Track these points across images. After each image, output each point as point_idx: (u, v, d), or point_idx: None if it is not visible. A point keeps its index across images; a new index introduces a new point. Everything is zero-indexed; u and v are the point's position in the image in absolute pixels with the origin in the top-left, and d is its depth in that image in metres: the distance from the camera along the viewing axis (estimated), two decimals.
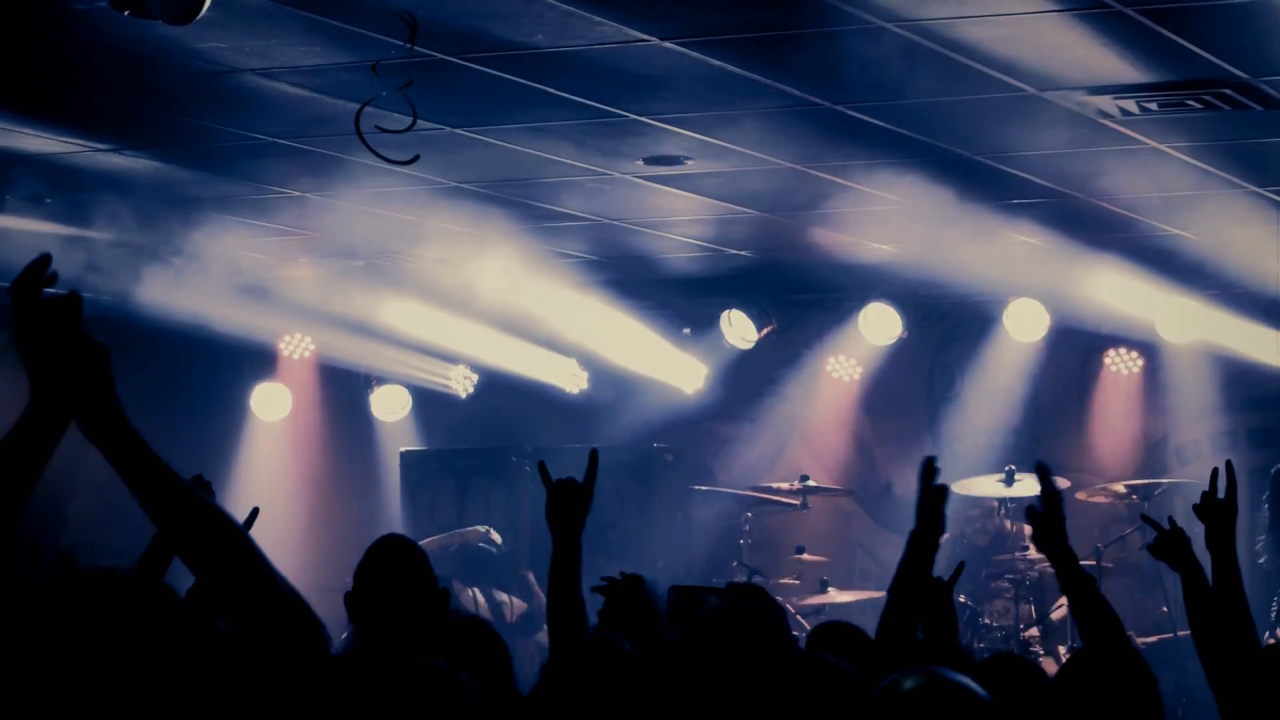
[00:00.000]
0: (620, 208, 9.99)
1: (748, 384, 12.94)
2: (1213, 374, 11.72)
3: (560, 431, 12.88)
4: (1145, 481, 11.03)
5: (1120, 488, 10.95)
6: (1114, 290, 11.06)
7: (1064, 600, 10.76)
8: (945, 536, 4.33)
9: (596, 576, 4.75)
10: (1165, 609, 10.64)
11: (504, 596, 11.29)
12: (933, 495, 4.36)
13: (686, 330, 12.80)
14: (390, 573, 4.59)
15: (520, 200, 9.76)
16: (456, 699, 3.94)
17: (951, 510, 4.46)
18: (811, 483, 11.57)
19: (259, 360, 12.99)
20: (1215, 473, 4.58)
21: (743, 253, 11.36)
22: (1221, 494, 4.52)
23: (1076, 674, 4.22)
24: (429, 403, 13.35)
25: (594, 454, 4.14)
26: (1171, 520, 4.60)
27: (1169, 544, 4.54)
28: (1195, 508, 4.56)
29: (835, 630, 5.63)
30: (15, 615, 2.73)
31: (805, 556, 11.40)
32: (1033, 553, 10.71)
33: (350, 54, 6.82)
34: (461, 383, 13.26)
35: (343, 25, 6.53)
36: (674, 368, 12.80)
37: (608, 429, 12.79)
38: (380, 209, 9.86)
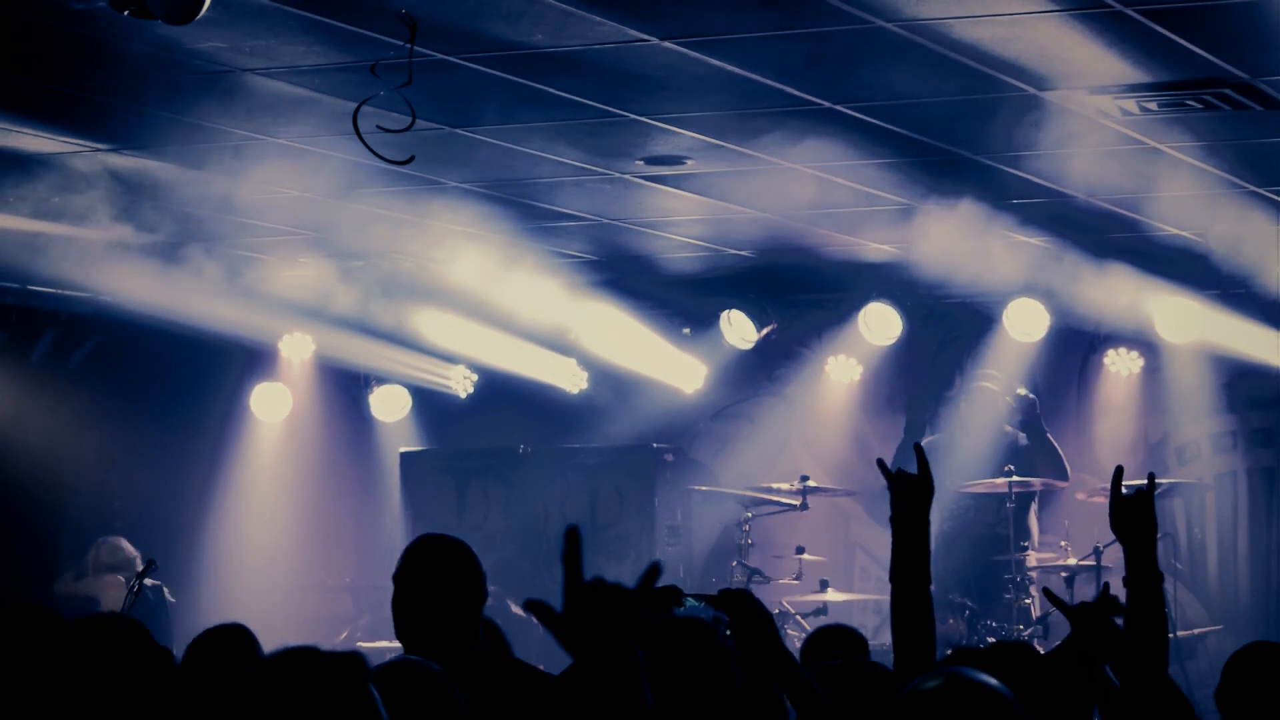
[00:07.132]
0: (620, 208, 9.98)
1: (748, 384, 12.94)
2: (1213, 374, 11.71)
3: (560, 431, 12.88)
4: (1145, 481, 11.00)
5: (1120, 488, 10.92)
6: (1114, 290, 11.04)
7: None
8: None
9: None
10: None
11: None
12: (1124, 504, 4.08)
13: (686, 330, 12.79)
14: (438, 573, 4.48)
15: (520, 200, 9.76)
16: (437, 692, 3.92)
17: (953, 505, 4.40)
18: (811, 483, 11.55)
19: (259, 360, 12.98)
20: (1117, 470, 4.43)
21: (743, 253, 11.36)
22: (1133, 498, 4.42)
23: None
24: (429, 403, 13.34)
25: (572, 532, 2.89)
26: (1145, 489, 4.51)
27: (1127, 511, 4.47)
28: (1114, 528, 4.34)
29: (833, 634, 5.62)
30: None
31: (805, 556, 11.39)
32: (1032, 556, 10.71)
33: (350, 54, 6.83)
34: (461, 383, 13.26)
35: (343, 25, 6.53)
36: (674, 368, 12.79)
37: (608, 429, 12.78)
38: (380, 209, 9.86)
